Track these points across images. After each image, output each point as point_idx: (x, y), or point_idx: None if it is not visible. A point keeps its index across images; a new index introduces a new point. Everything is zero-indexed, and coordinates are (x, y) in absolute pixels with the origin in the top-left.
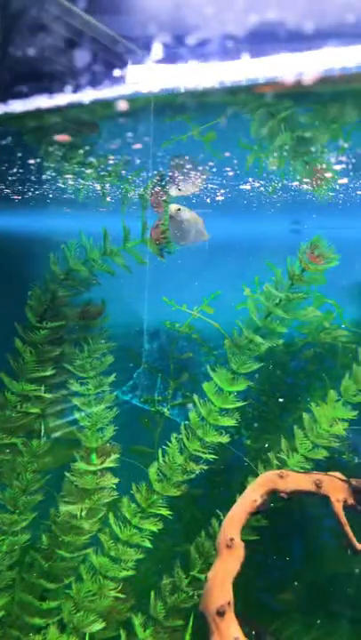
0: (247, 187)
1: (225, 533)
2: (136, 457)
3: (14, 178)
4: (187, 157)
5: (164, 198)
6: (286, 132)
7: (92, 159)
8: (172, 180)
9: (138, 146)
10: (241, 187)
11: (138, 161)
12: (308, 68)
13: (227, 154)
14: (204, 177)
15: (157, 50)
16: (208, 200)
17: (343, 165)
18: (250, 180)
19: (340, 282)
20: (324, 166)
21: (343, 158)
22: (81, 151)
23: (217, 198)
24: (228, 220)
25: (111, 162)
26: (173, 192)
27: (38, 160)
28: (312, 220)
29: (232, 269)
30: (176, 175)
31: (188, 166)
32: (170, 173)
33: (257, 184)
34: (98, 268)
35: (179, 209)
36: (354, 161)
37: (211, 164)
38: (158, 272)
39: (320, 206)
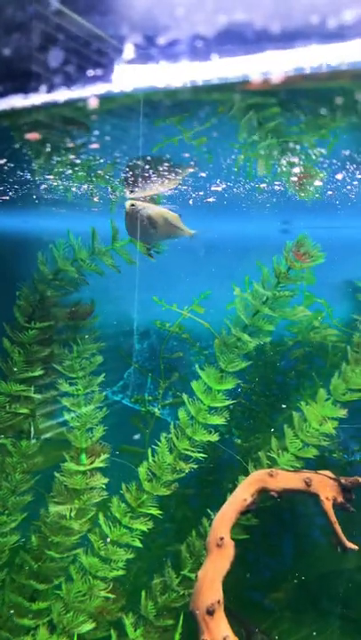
0: (220, 187)
1: (215, 532)
2: (127, 457)
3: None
4: (148, 158)
5: (153, 198)
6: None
7: (81, 159)
8: (127, 182)
9: (124, 146)
10: (234, 188)
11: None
12: (275, 67)
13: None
14: (180, 177)
15: (129, 50)
16: (191, 201)
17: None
18: (232, 179)
19: (331, 281)
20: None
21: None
22: (70, 151)
23: (207, 200)
24: (219, 220)
25: (99, 162)
26: (127, 194)
27: (26, 160)
28: (303, 220)
29: (222, 269)
30: (132, 176)
31: (146, 167)
32: (126, 174)
33: (241, 186)
34: (86, 267)
35: (132, 204)
36: (332, 161)
37: (192, 168)
38: (149, 272)
39: (310, 206)
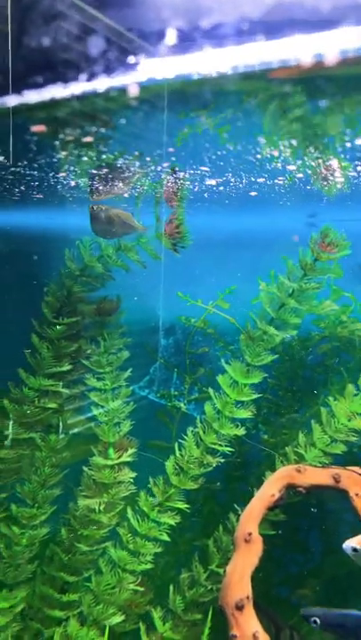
0: (261, 180)
1: (243, 528)
2: (154, 452)
3: (28, 174)
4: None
5: (178, 192)
6: (297, 125)
7: (105, 154)
8: (90, 188)
9: (150, 140)
10: (258, 180)
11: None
12: (326, 49)
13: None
14: (135, 178)
15: (171, 35)
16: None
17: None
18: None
19: (359, 274)
20: (335, 162)
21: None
22: (94, 146)
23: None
24: (243, 215)
25: (124, 156)
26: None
27: (51, 155)
28: (330, 213)
29: (248, 264)
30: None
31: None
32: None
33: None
34: (112, 263)
35: (93, 207)
36: None
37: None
38: (173, 267)
39: (337, 199)
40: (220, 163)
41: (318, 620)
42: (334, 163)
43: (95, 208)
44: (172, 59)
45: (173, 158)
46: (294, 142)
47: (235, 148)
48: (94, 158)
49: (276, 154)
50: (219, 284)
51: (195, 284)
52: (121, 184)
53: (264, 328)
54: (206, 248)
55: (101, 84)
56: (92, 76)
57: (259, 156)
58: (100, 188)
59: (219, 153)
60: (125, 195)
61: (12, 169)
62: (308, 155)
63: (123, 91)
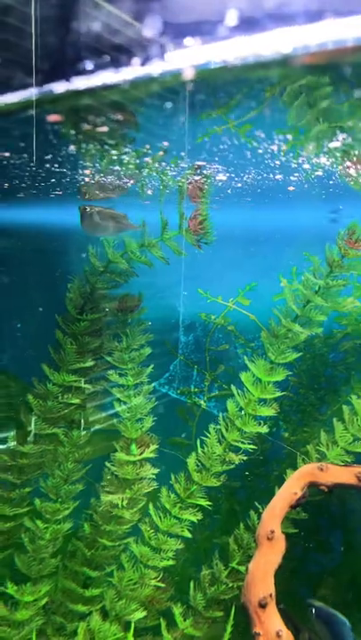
0: (279, 177)
1: (265, 526)
2: (173, 448)
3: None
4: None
5: (203, 188)
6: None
7: (129, 148)
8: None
9: (171, 136)
10: (277, 177)
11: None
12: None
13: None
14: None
15: (232, 16)
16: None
17: None
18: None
19: None
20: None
21: None
22: (118, 140)
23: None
24: (263, 211)
25: (149, 151)
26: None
27: (73, 149)
28: (354, 209)
29: (268, 260)
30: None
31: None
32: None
33: (293, 177)
34: (136, 259)
35: (85, 208)
36: None
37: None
38: (193, 264)
39: (358, 195)
40: (239, 159)
41: (314, 611)
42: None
43: (87, 209)
44: (194, 49)
45: (195, 155)
46: (318, 135)
47: (254, 144)
48: (117, 156)
49: (298, 149)
50: (239, 281)
51: (214, 281)
52: (113, 188)
53: (288, 325)
54: (226, 244)
55: (126, 75)
56: (117, 66)
57: (277, 150)
58: (92, 189)
59: (236, 143)
60: (115, 197)
61: (33, 165)
62: (331, 150)
63: (143, 84)
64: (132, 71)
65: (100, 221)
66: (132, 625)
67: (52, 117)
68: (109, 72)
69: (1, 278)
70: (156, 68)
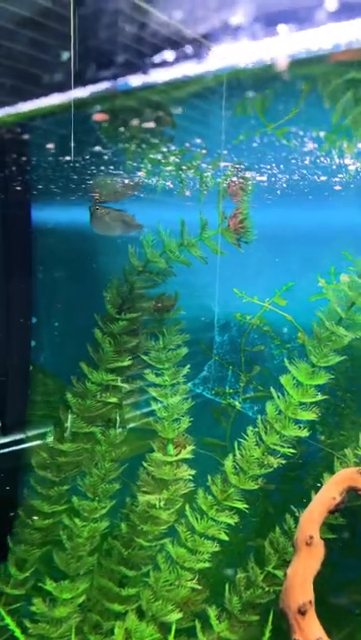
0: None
1: (304, 531)
2: (207, 449)
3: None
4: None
5: (243, 187)
6: None
7: (169, 148)
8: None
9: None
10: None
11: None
12: None
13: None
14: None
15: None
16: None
17: None
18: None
19: None
20: None
21: None
22: (159, 141)
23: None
24: (297, 210)
25: (188, 151)
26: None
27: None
28: None
29: (304, 260)
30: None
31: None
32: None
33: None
34: (175, 258)
35: (96, 208)
36: None
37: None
38: (229, 263)
39: None
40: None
41: None
42: None
43: (98, 210)
44: (232, 46)
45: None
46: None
47: (293, 143)
48: (160, 156)
49: (340, 147)
50: (275, 281)
51: (250, 281)
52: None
53: (332, 328)
54: (262, 244)
55: (160, 75)
56: (150, 68)
57: (317, 148)
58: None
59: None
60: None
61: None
62: None
63: (182, 83)
64: (169, 71)
65: (110, 222)
66: (173, 627)
67: (98, 116)
68: (150, 72)
69: (40, 278)
70: (193, 68)
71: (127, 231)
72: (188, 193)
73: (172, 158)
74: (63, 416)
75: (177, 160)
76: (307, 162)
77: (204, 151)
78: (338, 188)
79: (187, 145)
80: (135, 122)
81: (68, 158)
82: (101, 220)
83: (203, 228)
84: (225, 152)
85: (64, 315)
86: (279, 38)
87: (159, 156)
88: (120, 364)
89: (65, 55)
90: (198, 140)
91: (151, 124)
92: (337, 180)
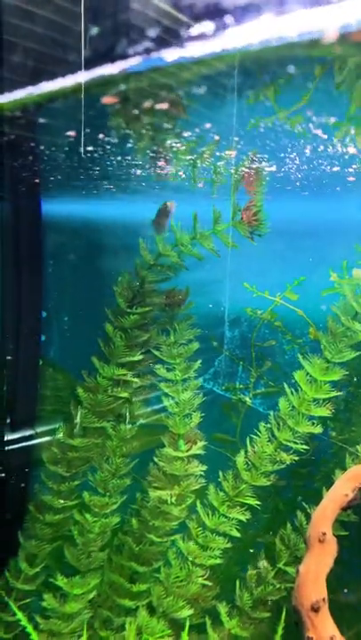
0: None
1: (316, 527)
2: (217, 445)
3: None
4: None
5: (259, 179)
6: None
7: (181, 140)
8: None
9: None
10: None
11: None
12: None
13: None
14: None
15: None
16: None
17: None
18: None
19: None
20: None
21: None
22: (172, 131)
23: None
24: (309, 203)
25: (201, 142)
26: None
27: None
28: None
29: (315, 254)
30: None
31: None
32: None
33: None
34: (187, 252)
35: (166, 205)
36: None
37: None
38: (239, 257)
39: None
40: (288, 148)
41: None
42: None
43: (168, 207)
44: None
45: (243, 144)
46: None
47: (304, 133)
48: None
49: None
50: (285, 275)
51: (261, 275)
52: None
53: (348, 324)
54: (273, 237)
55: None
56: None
57: (331, 140)
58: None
59: (287, 131)
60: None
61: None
62: None
63: (190, 66)
64: (179, 52)
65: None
66: (187, 624)
67: (107, 99)
68: (155, 55)
69: (50, 272)
70: (201, 50)
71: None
72: (200, 185)
73: (183, 148)
74: (74, 411)
75: (189, 149)
76: (320, 150)
77: (217, 138)
78: (352, 179)
79: (197, 130)
80: (147, 105)
81: (79, 149)
82: (168, 218)
83: (216, 220)
84: (236, 139)
85: (74, 309)
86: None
87: (173, 145)
88: (131, 358)
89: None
90: (209, 126)
91: (165, 105)
92: (351, 170)
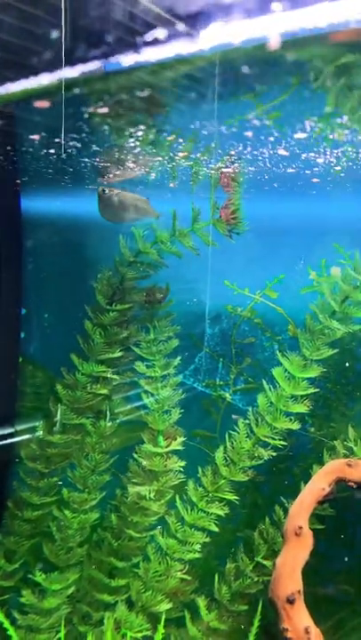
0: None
1: (293, 521)
2: (197, 441)
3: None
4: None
5: (236, 178)
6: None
7: (159, 138)
8: (100, 169)
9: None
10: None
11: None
12: None
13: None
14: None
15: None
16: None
17: None
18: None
19: None
20: None
21: None
22: (152, 131)
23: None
24: (288, 201)
25: (179, 140)
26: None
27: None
28: None
29: (296, 253)
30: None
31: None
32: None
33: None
34: (166, 249)
35: (103, 190)
36: None
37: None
38: (220, 255)
39: None
40: (267, 148)
41: None
42: None
43: (106, 191)
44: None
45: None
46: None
47: (284, 130)
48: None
49: (335, 136)
50: (266, 273)
51: (241, 273)
52: (134, 165)
53: (326, 322)
54: (252, 236)
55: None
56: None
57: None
58: (112, 169)
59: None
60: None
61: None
62: None
63: (170, 65)
64: (158, 52)
65: (120, 206)
66: (163, 617)
67: (40, 103)
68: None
69: (30, 269)
70: (183, 48)
71: (140, 217)
72: (172, 185)
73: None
74: (53, 408)
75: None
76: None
77: (195, 135)
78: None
79: (178, 127)
80: (126, 103)
81: (57, 141)
82: (110, 203)
83: (195, 218)
84: (215, 141)
85: (54, 306)
86: (274, 16)
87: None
88: (110, 355)
89: (54, 34)
90: (190, 126)
91: (145, 93)
92: (333, 170)
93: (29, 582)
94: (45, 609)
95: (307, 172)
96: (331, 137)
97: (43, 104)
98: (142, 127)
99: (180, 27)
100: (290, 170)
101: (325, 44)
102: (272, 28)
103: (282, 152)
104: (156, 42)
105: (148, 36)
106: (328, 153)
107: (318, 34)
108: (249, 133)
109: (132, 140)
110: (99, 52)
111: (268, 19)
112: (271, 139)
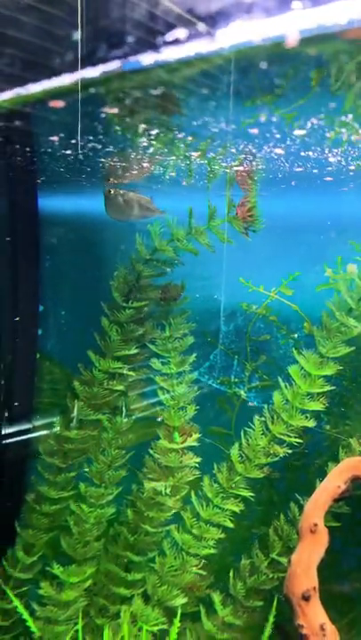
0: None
1: (309, 518)
2: (212, 438)
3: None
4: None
5: (251, 175)
6: None
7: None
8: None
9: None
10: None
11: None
12: None
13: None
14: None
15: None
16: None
17: None
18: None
19: None
20: None
21: None
22: (169, 130)
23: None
24: (303, 199)
25: (190, 139)
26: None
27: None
28: None
29: (311, 250)
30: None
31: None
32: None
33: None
34: (182, 247)
35: (109, 191)
36: None
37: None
38: (235, 253)
39: None
40: (286, 145)
41: None
42: None
43: (112, 192)
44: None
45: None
46: None
47: (302, 127)
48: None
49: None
50: (281, 271)
51: (256, 270)
52: (140, 166)
53: (343, 319)
54: (268, 233)
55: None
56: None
57: (330, 136)
58: (118, 170)
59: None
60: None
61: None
62: None
63: (186, 65)
64: (175, 51)
65: (125, 205)
66: (179, 611)
67: (54, 103)
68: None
69: (47, 267)
70: (198, 48)
71: (145, 216)
72: (185, 183)
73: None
74: (70, 404)
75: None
76: (316, 149)
77: (212, 133)
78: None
79: (194, 123)
80: (143, 102)
81: (73, 142)
82: (116, 203)
83: (211, 216)
84: (231, 138)
85: (71, 303)
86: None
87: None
88: (127, 352)
89: (76, 35)
90: (205, 123)
91: (158, 91)
92: (353, 168)
93: (48, 575)
94: (63, 601)
95: (328, 169)
96: (342, 135)
97: (57, 104)
98: (159, 126)
99: (201, 26)
100: (306, 169)
101: (345, 41)
102: (292, 26)
103: (300, 152)
104: (176, 42)
105: (169, 36)
106: (348, 150)
107: (338, 31)
108: (265, 132)
109: (144, 139)
110: (119, 51)
111: (288, 16)
112: (287, 138)
